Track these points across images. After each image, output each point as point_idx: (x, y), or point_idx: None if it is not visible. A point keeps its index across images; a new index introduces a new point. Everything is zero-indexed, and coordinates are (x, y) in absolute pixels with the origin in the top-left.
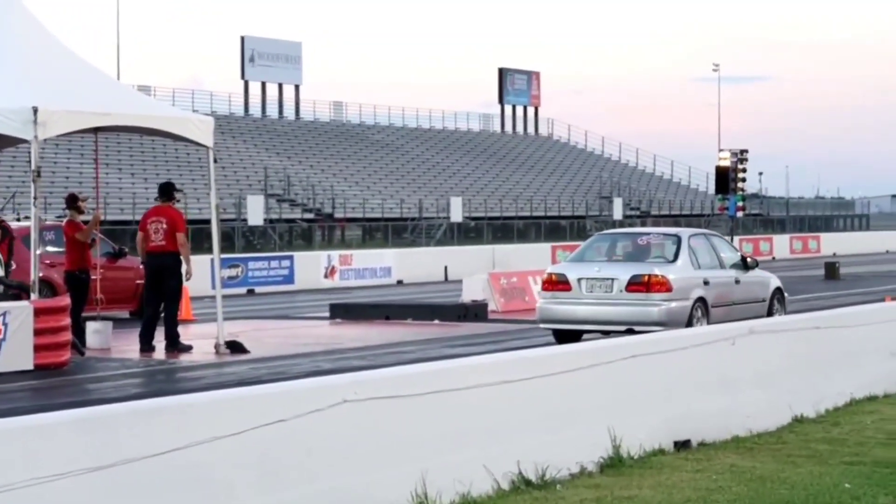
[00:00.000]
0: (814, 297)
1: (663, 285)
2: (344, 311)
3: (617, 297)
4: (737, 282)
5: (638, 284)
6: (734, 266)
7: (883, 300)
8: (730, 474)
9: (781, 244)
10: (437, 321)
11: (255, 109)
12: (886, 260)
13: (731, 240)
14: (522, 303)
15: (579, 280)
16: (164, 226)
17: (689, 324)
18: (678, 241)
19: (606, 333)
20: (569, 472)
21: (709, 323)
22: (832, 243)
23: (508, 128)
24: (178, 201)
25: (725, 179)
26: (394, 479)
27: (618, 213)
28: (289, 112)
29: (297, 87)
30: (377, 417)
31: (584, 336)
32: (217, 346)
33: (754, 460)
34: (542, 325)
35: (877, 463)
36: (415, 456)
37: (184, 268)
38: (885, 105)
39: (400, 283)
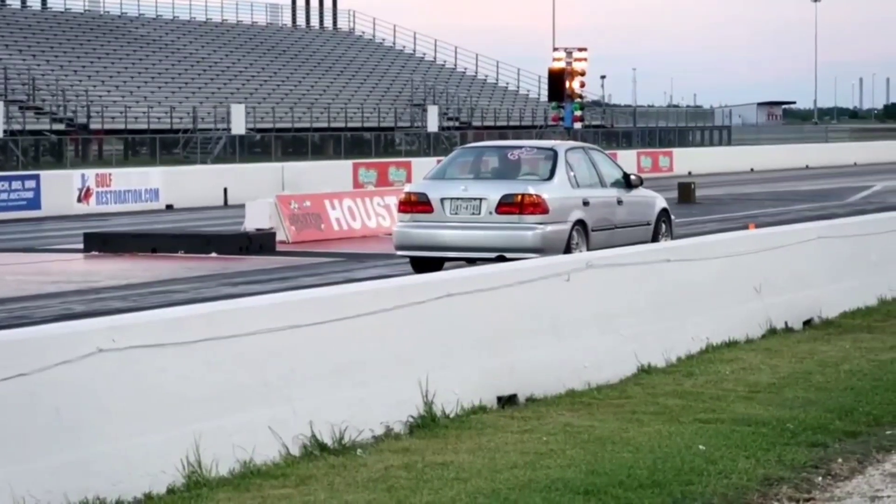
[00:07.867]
0: None
1: (538, 206)
2: (101, 243)
3: (486, 220)
4: (619, 202)
5: (510, 205)
6: (616, 184)
7: (746, 227)
8: (563, 435)
9: (627, 161)
10: (214, 254)
11: None
12: (750, 180)
13: None
14: (317, 232)
15: (442, 200)
16: None
17: (568, 250)
18: (554, 155)
19: (473, 261)
20: (372, 433)
21: (588, 249)
22: (687, 160)
23: (301, 21)
24: None
25: (560, 84)
26: (161, 445)
27: (433, 125)
28: (34, 1)
29: None
30: (140, 370)
31: (447, 265)
32: None
33: (592, 418)
34: (399, 253)
35: (736, 420)
36: (186, 417)
37: None
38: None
39: (170, 207)
